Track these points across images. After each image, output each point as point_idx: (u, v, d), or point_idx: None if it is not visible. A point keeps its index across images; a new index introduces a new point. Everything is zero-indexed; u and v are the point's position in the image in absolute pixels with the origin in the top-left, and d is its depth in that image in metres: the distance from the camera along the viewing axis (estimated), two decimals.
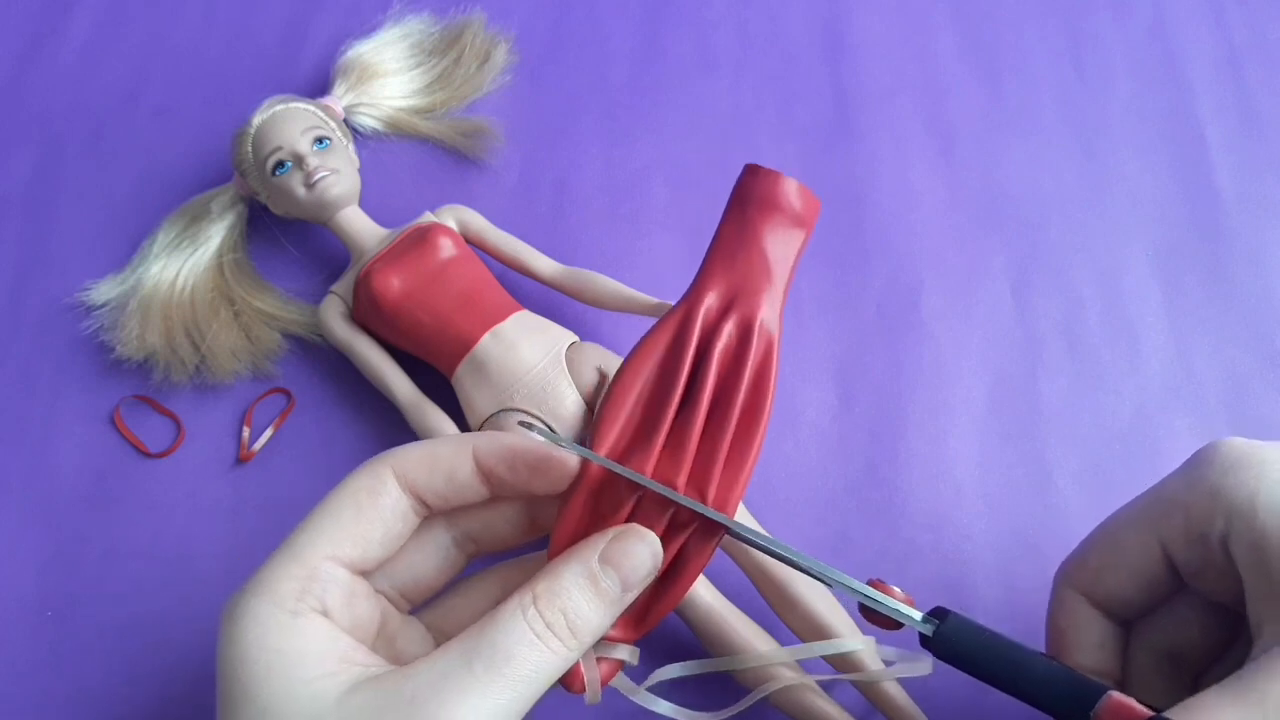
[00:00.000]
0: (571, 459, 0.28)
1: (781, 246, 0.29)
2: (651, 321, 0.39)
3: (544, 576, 0.26)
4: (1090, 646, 0.30)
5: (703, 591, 0.35)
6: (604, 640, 0.28)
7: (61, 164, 0.47)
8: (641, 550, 0.26)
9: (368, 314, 0.39)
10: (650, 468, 0.28)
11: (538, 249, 0.41)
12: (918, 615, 0.27)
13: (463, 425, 0.38)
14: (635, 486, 0.27)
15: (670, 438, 0.28)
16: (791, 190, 0.30)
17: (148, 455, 0.40)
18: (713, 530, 0.27)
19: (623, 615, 0.27)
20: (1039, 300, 0.43)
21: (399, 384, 0.39)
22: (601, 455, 0.28)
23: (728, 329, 0.29)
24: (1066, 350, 0.42)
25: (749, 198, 0.30)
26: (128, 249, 0.44)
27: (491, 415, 0.37)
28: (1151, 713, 0.24)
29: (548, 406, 0.37)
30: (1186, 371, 0.41)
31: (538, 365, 0.37)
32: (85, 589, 0.38)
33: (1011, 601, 0.37)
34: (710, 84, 0.48)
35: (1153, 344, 0.42)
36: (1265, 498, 0.26)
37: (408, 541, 0.28)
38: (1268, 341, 0.42)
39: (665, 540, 0.27)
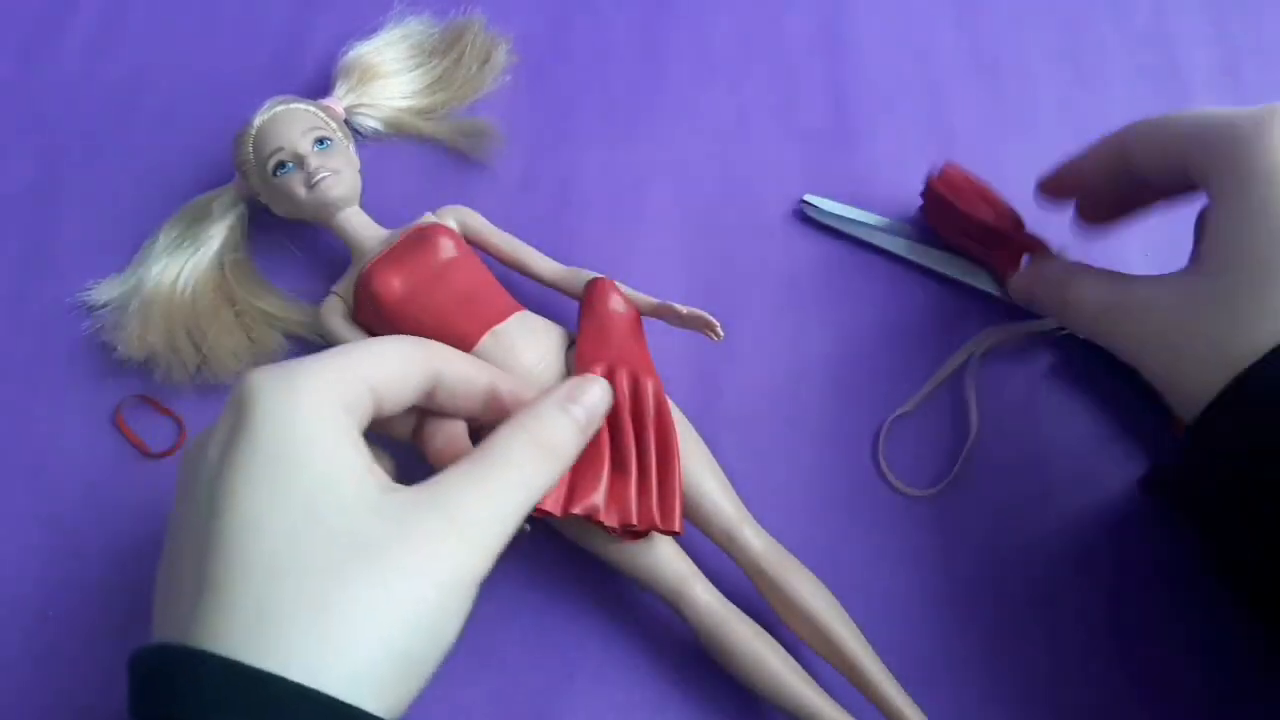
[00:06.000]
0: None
1: (628, 324, 0.38)
2: (652, 321, 0.39)
3: (526, 410, 0.30)
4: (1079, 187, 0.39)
5: (701, 591, 0.35)
6: None
7: (63, 164, 0.47)
8: (596, 389, 0.32)
9: (368, 314, 0.39)
10: (602, 490, 0.34)
11: (538, 250, 0.41)
12: None
13: None
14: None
15: (613, 466, 0.34)
16: (619, 289, 0.39)
17: (149, 455, 0.40)
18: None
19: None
20: None
21: None
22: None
23: (621, 384, 0.35)
24: None
25: (596, 300, 0.38)
26: (129, 249, 0.44)
27: None
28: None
29: None
30: None
31: (538, 365, 0.37)
32: (86, 589, 0.38)
33: None
34: (711, 85, 0.49)
35: None
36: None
37: None
38: None
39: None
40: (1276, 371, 0.28)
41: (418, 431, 0.32)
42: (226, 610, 0.24)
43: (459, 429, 0.32)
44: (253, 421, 0.25)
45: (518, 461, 0.28)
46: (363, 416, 0.28)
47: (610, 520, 0.33)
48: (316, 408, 0.26)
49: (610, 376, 0.36)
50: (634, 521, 0.33)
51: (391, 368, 0.29)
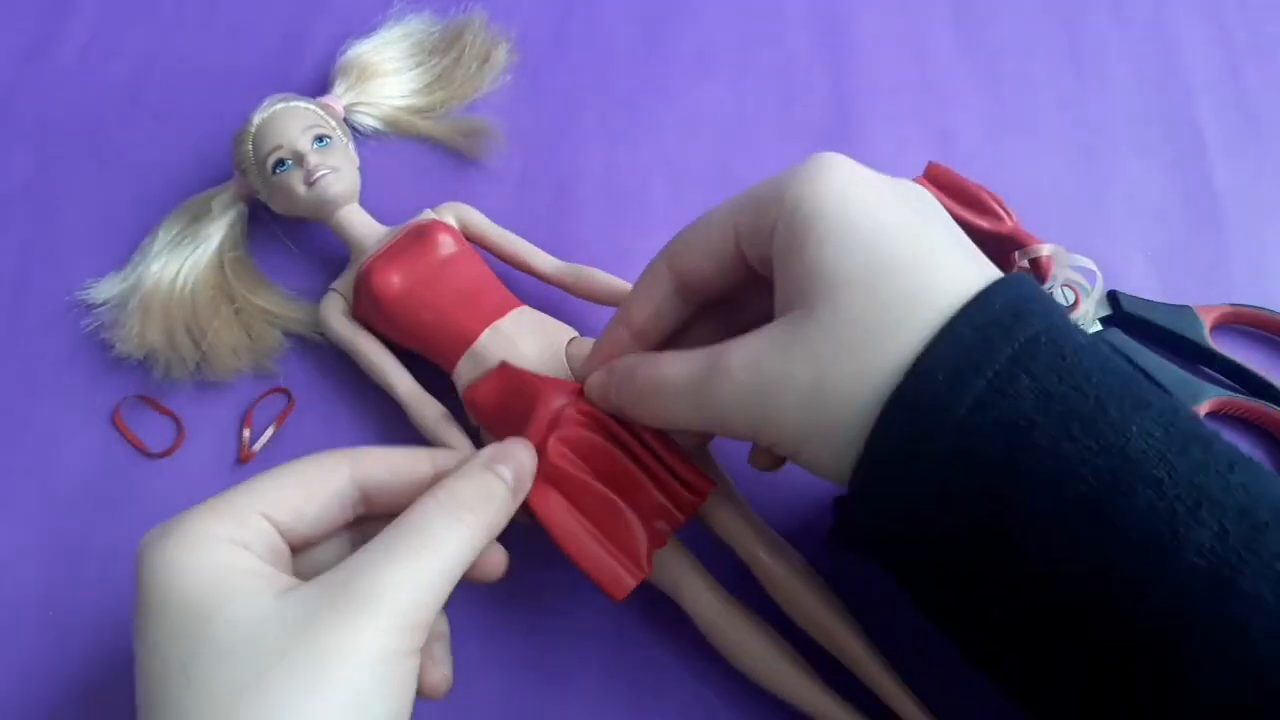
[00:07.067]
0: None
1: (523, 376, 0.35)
2: None
3: (451, 475, 0.29)
4: (649, 305, 0.32)
5: (703, 585, 0.35)
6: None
7: (62, 164, 0.47)
8: (522, 451, 0.31)
9: (368, 311, 0.39)
10: (639, 529, 0.32)
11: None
12: None
13: (464, 420, 0.38)
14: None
15: (628, 499, 0.32)
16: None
17: (148, 455, 0.40)
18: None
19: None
20: None
21: (400, 380, 0.39)
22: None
23: (561, 445, 0.32)
24: None
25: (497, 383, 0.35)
26: (128, 248, 0.43)
27: None
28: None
29: None
30: None
31: (537, 361, 0.37)
32: (86, 590, 0.38)
33: None
34: (711, 84, 0.49)
35: None
36: (810, 201, 0.28)
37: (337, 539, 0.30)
38: None
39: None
40: (890, 443, 0.26)
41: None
42: None
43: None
44: (143, 587, 0.26)
45: (433, 528, 0.27)
46: (265, 542, 0.27)
47: (669, 533, 0.33)
48: (191, 557, 0.26)
49: (542, 446, 0.32)
50: (683, 518, 0.33)
51: (290, 491, 0.28)
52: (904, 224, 0.28)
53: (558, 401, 0.33)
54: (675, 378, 0.30)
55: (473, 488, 0.29)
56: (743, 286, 0.31)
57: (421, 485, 0.30)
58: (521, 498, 0.30)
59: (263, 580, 0.26)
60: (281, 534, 0.28)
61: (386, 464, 0.30)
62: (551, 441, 0.32)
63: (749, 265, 0.30)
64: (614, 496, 0.32)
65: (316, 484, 0.29)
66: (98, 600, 0.38)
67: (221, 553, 0.26)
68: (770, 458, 0.32)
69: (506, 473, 0.30)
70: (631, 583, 0.31)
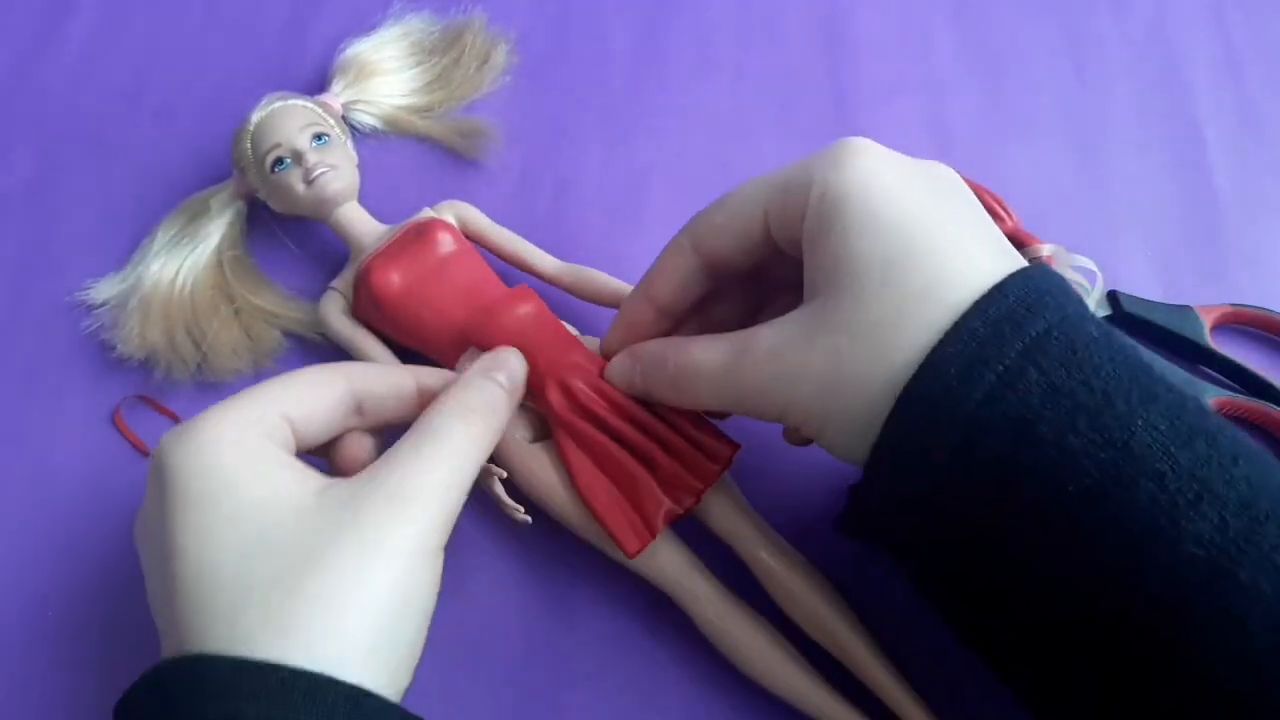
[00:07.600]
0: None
1: (531, 318, 0.37)
2: None
3: (454, 384, 0.32)
4: (673, 280, 0.34)
5: (703, 582, 0.35)
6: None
7: (61, 164, 0.47)
8: (512, 358, 0.34)
9: (368, 309, 0.39)
10: (657, 494, 0.34)
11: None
12: None
13: None
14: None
15: (645, 465, 0.34)
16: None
17: (148, 456, 0.40)
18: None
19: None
20: None
21: None
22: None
23: (580, 394, 0.35)
24: None
25: (495, 311, 0.37)
26: (128, 248, 0.43)
27: None
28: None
29: None
30: None
31: None
32: (86, 589, 0.38)
33: None
34: (710, 84, 0.48)
35: None
36: (835, 188, 0.28)
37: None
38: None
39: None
40: (914, 415, 0.26)
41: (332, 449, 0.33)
42: (199, 642, 0.25)
43: (363, 438, 0.33)
44: (173, 480, 0.27)
45: (452, 431, 0.29)
46: (284, 440, 0.29)
47: (690, 503, 0.34)
48: (226, 446, 0.27)
49: (564, 390, 0.35)
50: (703, 487, 0.34)
51: (301, 394, 0.30)
52: (926, 212, 0.28)
53: (574, 360, 0.35)
54: (706, 364, 0.31)
55: (478, 394, 0.32)
56: (769, 261, 0.32)
57: (409, 399, 0.32)
58: (517, 401, 0.34)
59: (298, 473, 0.28)
60: (295, 435, 0.29)
61: (381, 379, 0.32)
62: (568, 410, 0.35)
63: (777, 247, 0.31)
64: (632, 461, 0.34)
65: (322, 391, 0.31)
66: (98, 600, 0.38)
67: (256, 446, 0.27)
68: (800, 435, 0.33)
69: (503, 379, 0.33)
70: (648, 538, 0.33)
